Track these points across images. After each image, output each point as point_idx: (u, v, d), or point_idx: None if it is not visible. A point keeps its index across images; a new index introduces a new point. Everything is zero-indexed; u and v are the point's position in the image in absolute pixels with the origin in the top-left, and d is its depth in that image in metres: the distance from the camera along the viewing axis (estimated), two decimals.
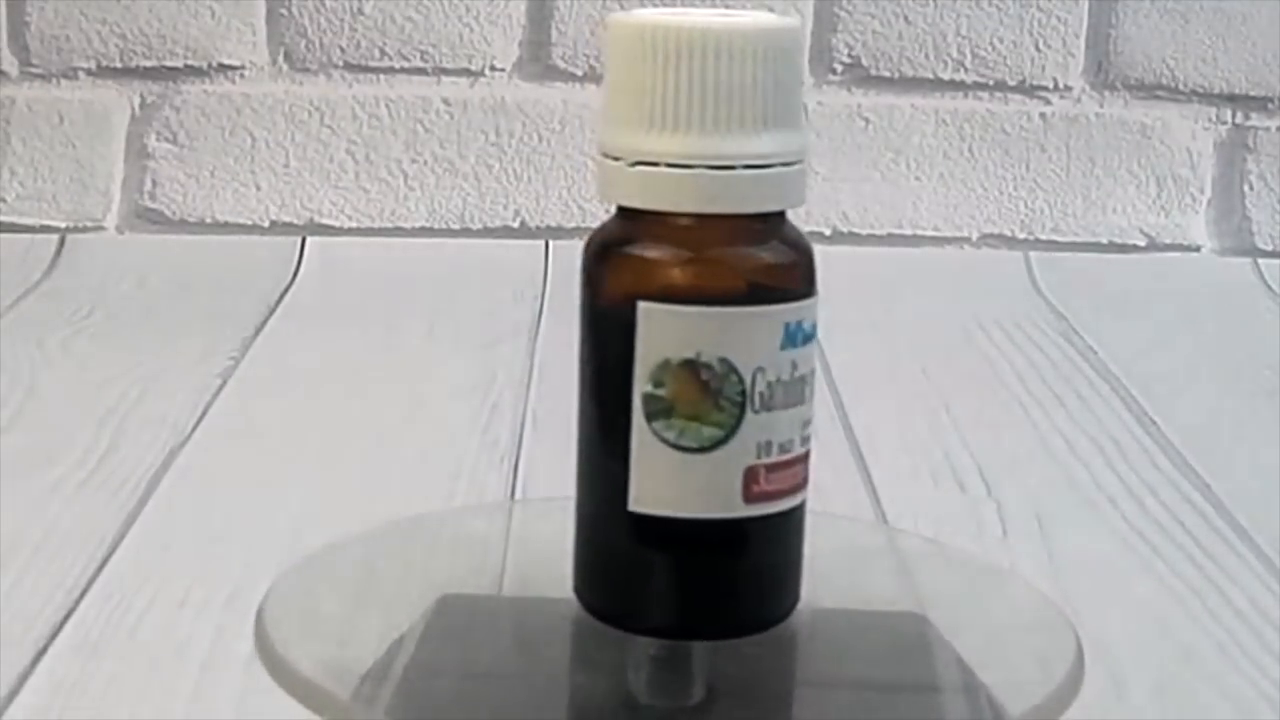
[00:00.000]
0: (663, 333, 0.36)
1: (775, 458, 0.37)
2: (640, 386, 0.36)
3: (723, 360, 0.36)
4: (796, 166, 0.37)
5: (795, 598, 0.39)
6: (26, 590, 0.50)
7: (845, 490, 0.60)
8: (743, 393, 0.36)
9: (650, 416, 0.36)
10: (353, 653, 0.39)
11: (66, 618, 0.48)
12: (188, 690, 0.45)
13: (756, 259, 0.37)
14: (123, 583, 0.51)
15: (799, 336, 0.37)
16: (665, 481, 0.37)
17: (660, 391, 0.36)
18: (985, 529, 0.57)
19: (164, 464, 0.61)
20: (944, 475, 0.62)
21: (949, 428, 0.68)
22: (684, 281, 0.36)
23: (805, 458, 0.38)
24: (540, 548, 0.40)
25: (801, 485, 0.38)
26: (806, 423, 0.38)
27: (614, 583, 0.38)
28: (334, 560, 0.43)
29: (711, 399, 0.36)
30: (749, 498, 0.37)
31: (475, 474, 0.61)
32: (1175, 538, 0.57)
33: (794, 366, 0.37)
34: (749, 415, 0.36)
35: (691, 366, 0.36)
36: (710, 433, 0.36)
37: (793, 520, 0.38)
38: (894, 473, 0.62)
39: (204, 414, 0.66)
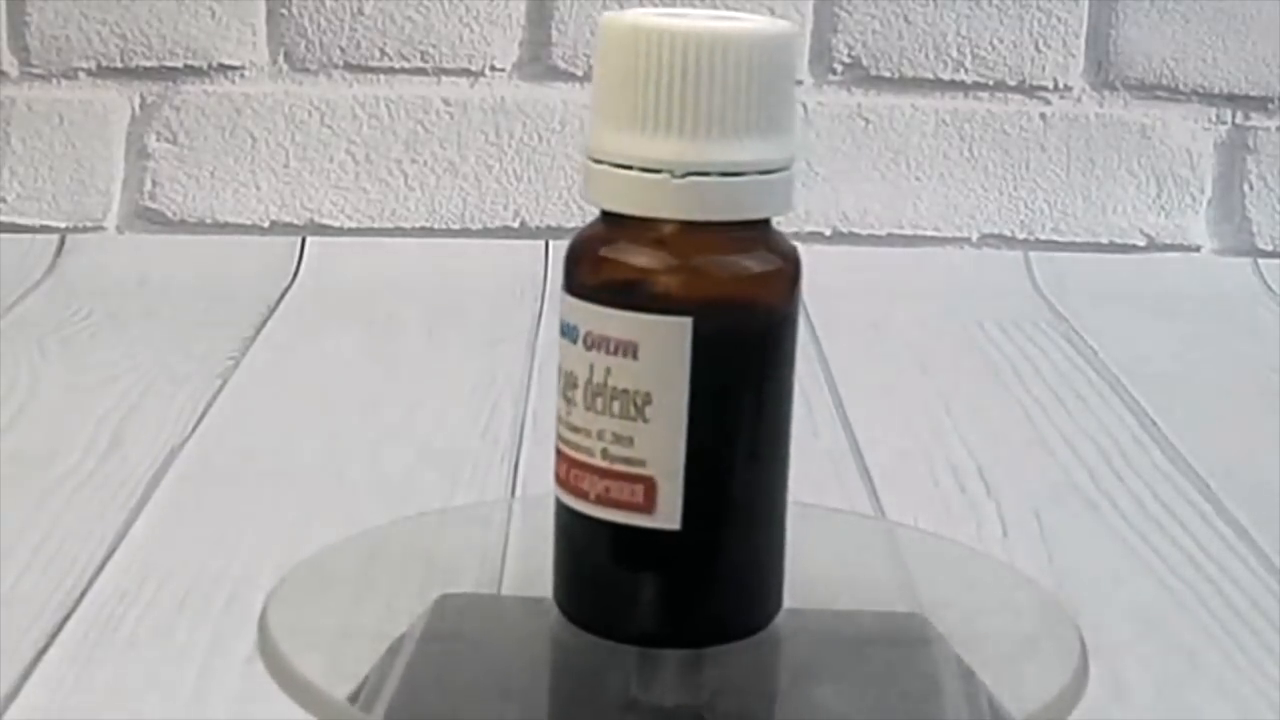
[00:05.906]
0: None
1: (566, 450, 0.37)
2: None
3: None
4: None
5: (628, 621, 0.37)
6: (26, 590, 0.50)
7: (845, 490, 0.60)
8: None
9: None
10: (353, 653, 0.39)
11: (66, 618, 0.48)
12: (187, 691, 0.45)
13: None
14: (123, 583, 0.51)
15: (565, 329, 0.37)
16: None
17: None
18: (985, 529, 0.57)
19: (164, 464, 0.61)
20: (944, 475, 0.62)
21: (949, 428, 0.68)
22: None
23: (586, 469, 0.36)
24: (540, 548, 0.39)
25: (597, 499, 0.36)
26: (576, 430, 0.36)
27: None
28: (334, 561, 0.43)
29: None
30: (557, 479, 0.37)
31: (475, 474, 0.61)
32: (1175, 538, 0.57)
33: (560, 355, 0.37)
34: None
35: None
36: None
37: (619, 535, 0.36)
38: (894, 473, 0.62)
39: (204, 414, 0.66)
